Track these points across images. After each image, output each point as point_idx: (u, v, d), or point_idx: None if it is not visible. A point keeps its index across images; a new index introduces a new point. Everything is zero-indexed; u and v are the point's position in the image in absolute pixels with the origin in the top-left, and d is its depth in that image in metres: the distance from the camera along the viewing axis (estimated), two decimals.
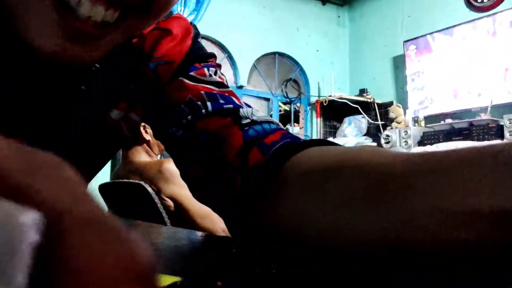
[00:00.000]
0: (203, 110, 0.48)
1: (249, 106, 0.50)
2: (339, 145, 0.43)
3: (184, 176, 0.55)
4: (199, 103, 0.49)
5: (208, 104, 0.49)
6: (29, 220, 0.11)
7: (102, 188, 1.82)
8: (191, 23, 0.55)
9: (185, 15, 3.26)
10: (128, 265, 0.13)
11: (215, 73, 0.52)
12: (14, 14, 0.37)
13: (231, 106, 0.49)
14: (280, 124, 0.49)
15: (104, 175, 3.04)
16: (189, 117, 0.49)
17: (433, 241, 0.27)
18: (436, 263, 0.28)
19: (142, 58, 0.50)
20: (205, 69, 0.51)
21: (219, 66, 0.54)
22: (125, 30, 0.40)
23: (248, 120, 0.47)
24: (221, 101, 0.49)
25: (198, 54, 0.53)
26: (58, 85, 0.46)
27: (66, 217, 0.14)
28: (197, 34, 0.54)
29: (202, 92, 0.49)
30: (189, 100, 0.49)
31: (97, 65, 0.46)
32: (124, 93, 0.50)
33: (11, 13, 0.37)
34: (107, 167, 3.09)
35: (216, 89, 0.50)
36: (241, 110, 0.48)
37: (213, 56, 0.54)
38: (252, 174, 0.42)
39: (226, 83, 0.52)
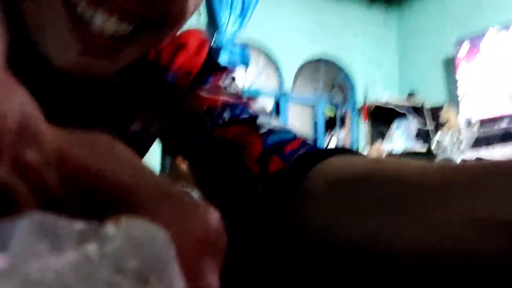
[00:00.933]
0: (220, 120, 0.49)
1: (267, 114, 0.49)
2: (361, 154, 0.42)
3: (201, 183, 0.54)
4: (216, 113, 0.49)
5: (226, 114, 0.49)
6: (167, 237, 0.12)
7: None
8: (206, 36, 0.55)
9: (231, 22, 3.31)
10: (204, 238, 0.14)
11: (230, 85, 0.52)
12: (31, 28, 0.37)
13: (247, 116, 0.49)
14: (298, 132, 0.49)
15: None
16: (208, 125, 0.49)
17: (469, 252, 0.27)
18: (472, 275, 0.28)
19: (159, 71, 0.50)
20: (220, 81, 0.52)
21: (233, 78, 0.54)
22: (141, 45, 0.40)
23: (265, 129, 0.47)
24: (238, 112, 0.49)
25: (213, 65, 0.53)
26: (77, 98, 0.46)
27: (137, 194, 0.14)
28: (213, 48, 0.55)
29: (219, 103, 0.50)
30: (207, 109, 0.50)
31: (116, 79, 0.46)
32: (144, 106, 0.50)
33: (29, 27, 0.37)
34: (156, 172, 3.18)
35: (232, 100, 0.50)
36: (258, 119, 0.48)
37: (227, 68, 0.54)
38: (275, 181, 0.42)
39: (241, 94, 0.52)
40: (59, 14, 0.35)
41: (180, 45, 0.52)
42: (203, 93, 0.51)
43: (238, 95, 0.51)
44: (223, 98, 0.50)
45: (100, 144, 0.15)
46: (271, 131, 0.47)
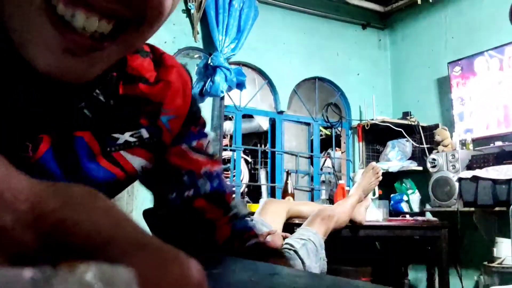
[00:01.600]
0: (202, 191, 0.58)
1: (231, 185, 0.64)
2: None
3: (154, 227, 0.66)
4: (199, 181, 0.58)
5: (206, 186, 0.58)
6: (132, 276, 0.12)
7: (147, 213, 1.85)
8: (183, 66, 0.60)
9: (226, 44, 3.35)
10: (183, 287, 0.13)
11: (208, 145, 0.60)
12: (13, 33, 0.38)
13: (224, 191, 0.60)
14: (250, 216, 0.67)
15: (148, 201, 3.11)
16: (190, 191, 0.57)
17: None
18: None
19: (154, 108, 0.54)
20: (203, 141, 0.59)
21: (204, 125, 0.62)
22: (122, 44, 0.40)
23: (234, 211, 0.60)
24: (216, 183, 0.59)
25: (195, 113, 0.59)
26: (59, 106, 0.46)
27: (113, 245, 0.14)
28: (192, 80, 0.60)
29: (203, 170, 0.58)
30: (189, 172, 0.57)
31: (97, 91, 0.47)
32: (134, 130, 0.53)
33: (10, 33, 0.38)
34: None
35: (212, 166, 0.59)
36: (232, 203, 0.60)
37: (203, 119, 0.62)
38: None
39: (216, 156, 0.62)
40: (40, 16, 0.35)
41: (167, 82, 0.55)
42: (190, 152, 0.57)
43: (213, 154, 0.61)
44: (206, 162, 0.59)
45: (78, 196, 0.15)
46: (236, 216, 0.61)
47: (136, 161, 0.53)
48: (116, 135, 0.51)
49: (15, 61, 0.39)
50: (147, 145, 0.54)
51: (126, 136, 0.52)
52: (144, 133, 0.53)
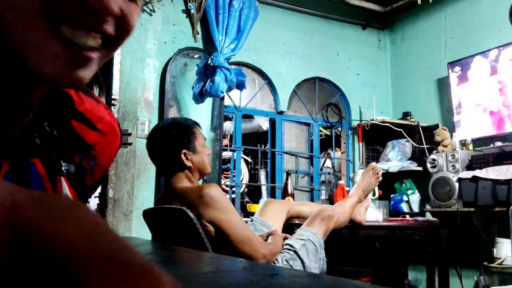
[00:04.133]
0: None
1: None
2: None
3: None
4: None
5: None
6: None
7: (146, 213, 1.85)
8: (118, 121, 0.69)
9: (226, 44, 3.35)
10: None
11: None
12: (19, 47, 0.45)
13: None
14: None
15: (148, 201, 3.11)
16: None
17: None
18: None
19: (85, 149, 0.63)
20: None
21: None
22: (105, 56, 0.50)
23: None
24: None
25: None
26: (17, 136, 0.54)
27: (84, 257, 0.14)
28: (120, 136, 0.70)
29: None
30: None
31: (46, 123, 0.58)
32: (67, 162, 0.62)
33: (16, 46, 0.45)
34: (151, 192, 3.16)
35: None
36: None
37: None
38: None
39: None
40: (47, 36, 0.44)
41: (102, 133, 0.65)
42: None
43: None
44: None
45: (58, 206, 0.15)
46: None
47: (65, 189, 0.61)
48: (60, 163, 0.60)
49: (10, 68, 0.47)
50: (72, 181, 0.62)
51: (63, 166, 0.60)
52: (72, 169, 0.61)
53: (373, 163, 2.62)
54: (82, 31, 0.46)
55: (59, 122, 0.59)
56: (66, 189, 0.61)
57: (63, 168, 0.60)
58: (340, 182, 3.10)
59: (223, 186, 3.76)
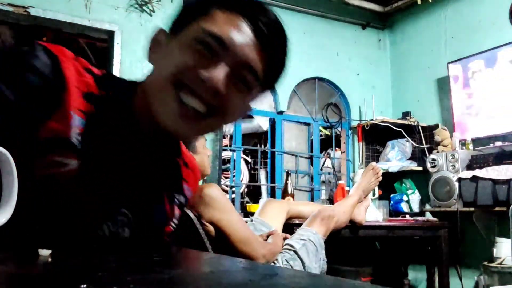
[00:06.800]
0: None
1: None
2: None
3: None
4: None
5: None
6: None
7: None
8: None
9: None
10: None
11: None
12: (153, 103, 0.67)
13: None
14: None
15: None
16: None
17: None
18: None
19: (185, 183, 0.85)
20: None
21: None
22: (209, 123, 0.68)
23: None
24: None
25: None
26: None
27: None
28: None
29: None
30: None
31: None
32: (179, 194, 0.84)
33: (151, 104, 0.67)
34: None
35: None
36: None
37: None
38: None
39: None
40: (172, 96, 0.65)
41: (192, 170, 0.87)
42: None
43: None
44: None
45: None
46: None
47: (176, 214, 0.82)
48: (174, 195, 0.82)
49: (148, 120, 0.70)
50: (181, 206, 0.84)
51: (176, 197, 0.82)
52: (182, 199, 0.83)
53: (373, 163, 2.62)
54: (193, 97, 0.65)
55: (175, 164, 0.82)
56: (176, 213, 0.82)
57: (176, 199, 0.81)
58: (340, 182, 3.10)
59: (223, 186, 3.76)
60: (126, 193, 0.71)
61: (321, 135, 4.15)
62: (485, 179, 2.91)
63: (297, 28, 3.90)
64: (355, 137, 4.03)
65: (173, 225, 0.86)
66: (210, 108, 0.66)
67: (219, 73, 0.65)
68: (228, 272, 0.40)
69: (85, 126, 0.65)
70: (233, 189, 3.54)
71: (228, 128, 4.21)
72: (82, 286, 0.25)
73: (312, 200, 3.79)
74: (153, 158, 0.75)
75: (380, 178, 2.49)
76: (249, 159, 4.48)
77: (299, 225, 2.12)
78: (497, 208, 2.88)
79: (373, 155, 4.01)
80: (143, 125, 0.70)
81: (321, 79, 4.04)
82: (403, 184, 3.69)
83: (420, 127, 3.72)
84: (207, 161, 1.77)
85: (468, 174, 3.03)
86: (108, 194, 0.68)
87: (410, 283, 3.56)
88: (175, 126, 0.66)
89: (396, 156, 3.76)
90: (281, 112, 3.79)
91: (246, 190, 4.22)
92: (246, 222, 1.89)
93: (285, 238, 1.89)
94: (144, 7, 3.26)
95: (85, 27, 3.08)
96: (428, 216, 3.41)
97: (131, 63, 3.16)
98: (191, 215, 1.60)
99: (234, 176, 3.61)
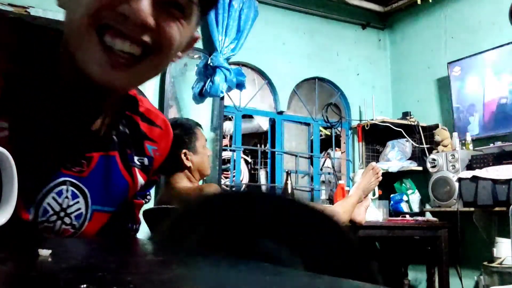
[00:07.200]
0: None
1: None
2: None
3: None
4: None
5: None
6: None
7: (146, 213, 1.85)
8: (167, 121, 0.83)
9: (226, 44, 3.35)
10: None
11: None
12: (74, 52, 0.57)
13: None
14: None
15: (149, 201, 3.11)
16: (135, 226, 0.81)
17: None
18: None
19: (151, 144, 0.76)
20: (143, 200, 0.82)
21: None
22: (148, 65, 0.59)
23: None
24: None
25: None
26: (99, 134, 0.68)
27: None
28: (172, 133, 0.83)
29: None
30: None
31: (123, 122, 0.71)
32: (141, 156, 0.76)
33: (72, 54, 0.58)
34: (152, 193, 3.15)
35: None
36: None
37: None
38: None
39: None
40: (94, 42, 0.56)
41: (161, 129, 0.78)
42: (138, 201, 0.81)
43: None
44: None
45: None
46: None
47: (140, 179, 0.74)
48: (133, 156, 0.73)
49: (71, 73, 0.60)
50: (145, 169, 0.75)
51: (136, 159, 0.73)
52: (145, 161, 0.75)
53: (373, 163, 2.62)
54: (120, 39, 0.55)
55: (129, 121, 0.72)
56: (140, 178, 0.74)
57: (136, 161, 0.73)
58: (340, 182, 3.10)
59: (223, 186, 3.76)
60: (65, 157, 0.64)
61: (321, 135, 4.15)
62: (485, 179, 2.91)
63: (297, 28, 3.90)
64: (355, 137, 4.03)
65: (146, 199, 0.81)
66: (145, 47, 0.57)
67: (142, 3, 0.54)
68: (228, 272, 0.40)
69: (5, 88, 0.58)
70: (233, 189, 3.54)
71: (228, 128, 4.21)
72: (82, 286, 0.25)
73: (312, 200, 3.79)
74: (90, 116, 0.65)
75: (380, 178, 2.49)
76: (249, 159, 4.48)
77: None
78: (497, 208, 2.89)
79: (373, 155, 4.01)
80: (72, 81, 0.61)
81: (321, 79, 4.04)
82: (403, 184, 3.69)
83: (420, 127, 3.72)
84: (207, 161, 1.77)
85: (468, 174, 3.03)
86: (43, 160, 0.62)
87: (410, 283, 3.56)
88: (107, 78, 0.57)
89: (396, 156, 3.76)
90: (281, 112, 3.79)
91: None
92: None
93: None
94: None
95: None
96: (428, 216, 3.41)
97: None
98: None
99: (234, 176, 3.61)
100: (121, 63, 0.56)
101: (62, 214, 0.65)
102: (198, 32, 0.66)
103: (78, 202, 0.66)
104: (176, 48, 0.60)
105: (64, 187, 0.64)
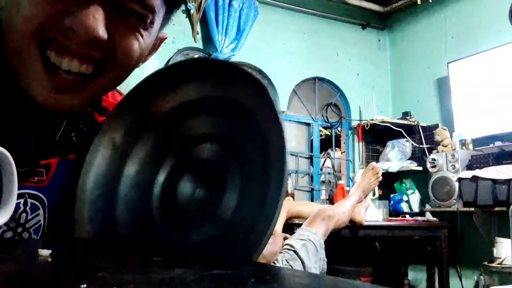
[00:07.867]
0: None
1: None
2: None
3: None
4: None
5: None
6: None
7: None
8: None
9: (226, 44, 3.35)
10: None
11: None
12: (16, 74, 0.48)
13: None
14: None
15: None
16: None
17: None
18: None
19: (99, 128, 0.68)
20: None
21: None
22: (101, 83, 0.52)
23: None
24: None
25: None
26: (55, 137, 0.60)
27: None
28: None
29: None
30: None
31: (82, 123, 0.63)
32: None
33: (14, 74, 0.48)
34: None
35: None
36: None
37: None
38: None
39: None
40: (36, 62, 0.47)
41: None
42: None
43: None
44: None
45: None
46: None
47: None
48: None
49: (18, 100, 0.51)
50: None
51: None
52: None
53: (373, 163, 2.62)
54: (68, 57, 0.47)
55: (88, 118, 0.64)
56: None
57: None
58: (340, 182, 3.10)
59: None
60: (20, 168, 0.54)
61: (321, 135, 4.15)
62: (485, 179, 2.91)
63: (297, 28, 3.90)
64: (355, 137, 4.03)
65: None
66: (98, 63, 0.49)
67: (92, 14, 0.45)
68: (228, 272, 0.40)
69: None
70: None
71: None
72: (82, 286, 0.25)
73: (312, 200, 3.79)
74: (41, 129, 0.58)
75: (380, 178, 2.49)
76: None
77: (299, 225, 2.12)
78: (497, 208, 2.88)
79: (373, 155, 4.01)
80: (17, 97, 0.51)
81: (321, 79, 4.04)
82: (403, 184, 3.69)
83: (420, 127, 3.72)
84: None
85: (468, 174, 3.03)
86: None
87: (410, 283, 3.56)
88: (52, 102, 0.48)
89: (396, 156, 3.76)
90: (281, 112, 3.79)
91: None
92: None
93: (285, 238, 1.89)
94: None
95: None
96: (428, 216, 3.41)
97: None
98: None
99: None
100: (68, 86, 0.48)
101: (19, 229, 0.58)
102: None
103: (38, 214, 0.59)
104: (137, 59, 0.53)
105: (21, 200, 0.57)
